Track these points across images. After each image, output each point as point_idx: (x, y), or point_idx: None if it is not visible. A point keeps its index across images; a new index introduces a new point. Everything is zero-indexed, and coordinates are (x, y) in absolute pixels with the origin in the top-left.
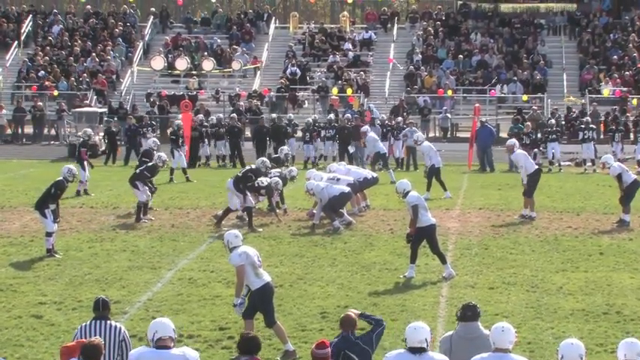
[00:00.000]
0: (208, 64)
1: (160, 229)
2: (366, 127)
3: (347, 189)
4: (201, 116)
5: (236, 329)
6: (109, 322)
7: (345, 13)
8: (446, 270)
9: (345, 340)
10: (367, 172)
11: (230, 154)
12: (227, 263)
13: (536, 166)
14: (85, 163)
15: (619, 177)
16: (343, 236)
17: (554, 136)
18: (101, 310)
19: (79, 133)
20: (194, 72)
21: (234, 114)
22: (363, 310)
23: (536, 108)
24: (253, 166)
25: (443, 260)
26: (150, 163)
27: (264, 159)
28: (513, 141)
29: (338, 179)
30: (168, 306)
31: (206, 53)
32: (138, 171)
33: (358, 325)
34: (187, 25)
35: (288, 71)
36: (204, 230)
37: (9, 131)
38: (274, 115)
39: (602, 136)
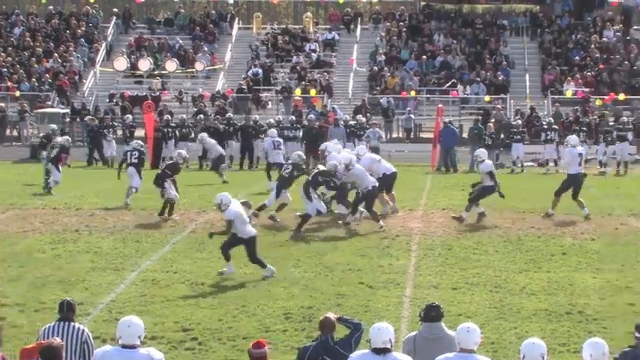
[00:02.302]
0: (171, 65)
1: (123, 230)
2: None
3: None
4: (167, 117)
5: (199, 330)
6: (72, 323)
7: (309, 13)
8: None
9: (323, 344)
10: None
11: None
12: (190, 264)
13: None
14: (59, 165)
15: (490, 174)
16: (307, 237)
17: (518, 136)
18: (65, 312)
19: (59, 139)
20: (157, 73)
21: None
22: (342, 314)
23: (499, 108)
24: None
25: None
26: (170, 162)
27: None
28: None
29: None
30: (132, 307)
31: (169, 54)
32: (160, 171)
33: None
34: (150, 26)
35: (251, 72)
36: (167, 231)
37: None
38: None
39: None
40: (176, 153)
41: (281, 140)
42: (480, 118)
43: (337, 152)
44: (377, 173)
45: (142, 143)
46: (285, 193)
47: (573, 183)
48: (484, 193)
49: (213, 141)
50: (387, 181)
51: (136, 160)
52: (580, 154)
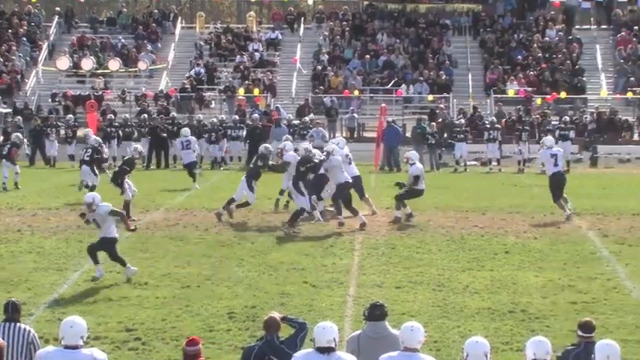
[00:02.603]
0: (114, 64)
1: (65, 230)
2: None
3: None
4: (110, 116)
5: (143, 330)
6: (18, 324)
7: (252, 13)
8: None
9: (268, 344)
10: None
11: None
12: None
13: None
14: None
15: (417, 178)
16: (251, 236)
17: (461, 136)
18: (10, 312)
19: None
20: (99, 72)
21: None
22: (286, 314)
23: (442, 107)
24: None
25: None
26: (126, 157)
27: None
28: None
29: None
30: (75, 307)
31: (112, 53)
32: (117, 168)
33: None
34: (93, 25)
35: (194, 71)
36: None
37: None
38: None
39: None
40: (132, 148)
41: (191, 139)
42: (426, 117)
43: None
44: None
45: (100, 140)
46: (251, 190)
47: (561, 183)
48: (412, 194)
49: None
50: (356, 185)
51: (87, 158)
52: (554, 155)
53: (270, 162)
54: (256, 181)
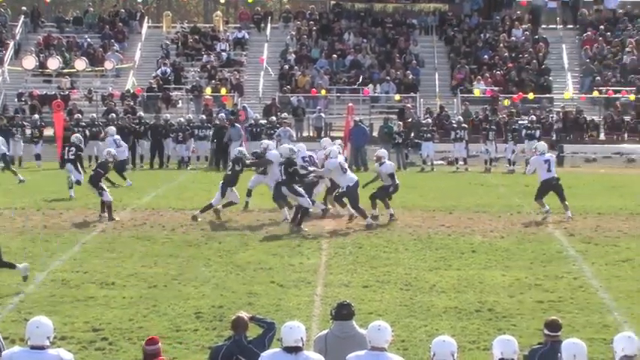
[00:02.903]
0: (80, 64)
1: (32, 230)
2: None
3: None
4: (77, 116)
5: (110, 330)
6: None
7: (219, 12)
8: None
9: (237, 343)
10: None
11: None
12: (100, 264)
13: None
14: None
15: (392, 175)
16: (218, 236)
17: (428, 135)
18: None
19: None
20: (66, 71)
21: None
22: (254, 314)
23: (409, 107)
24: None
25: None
26: (101, 161)
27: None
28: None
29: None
30: (41, 307)
31: (78, 53)
32: (93, 171)
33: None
34: (59, 25)
35: (160, 71)
36: (77, 231)
37: None
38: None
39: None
40: (105, 152)
41: (119, 137)
42: (395, 116)
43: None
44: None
45: (81, 138)
46: (231, 191)
47: (550, 188)
48: (383, 193)
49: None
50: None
51: (72, 157)
52: (547, 161)
53: (248, 161)
54: (233, 187)
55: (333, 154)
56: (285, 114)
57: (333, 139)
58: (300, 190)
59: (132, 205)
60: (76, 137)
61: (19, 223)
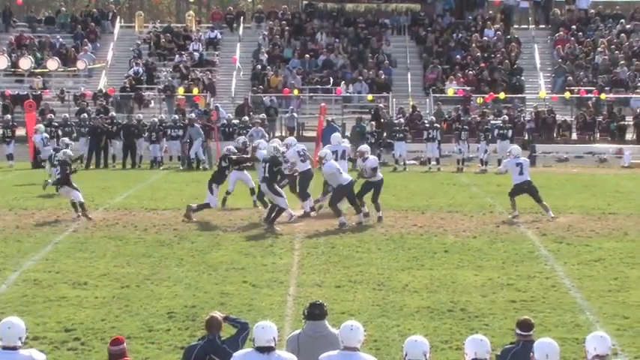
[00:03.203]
0: (53, 64)
1: (4, 230)
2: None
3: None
4: (50, 115)
5: (82, 330)
6: None
7: (191, 12)
8: None
9: (210, 343)
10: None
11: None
12: (73, 264)
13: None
14: None
15: (375, 169)
16: (190, 236)
17: (400, 135)
18: None
19: None
20: (38, 71)
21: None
22: (228, 313)
23: (382, 107)
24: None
25: None
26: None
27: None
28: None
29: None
30: (13, 307)
31: (50, 53)
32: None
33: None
34: (31, 24)
35: (132, 70)
36: (49, 231)
37: None
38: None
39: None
40: (61, 153)
41: (47, 135)
42: (369, 116)
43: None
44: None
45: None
46: (212, 193)
47: (522, 192)
48: (367, 188)
49: None
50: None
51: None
52: (519, 164)
53: (234, 156)
54: (219, 185)
55: (328, 157)
56: (263, 115)
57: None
58: (280, 190)
59: (104, 205)
60: (62, 142)
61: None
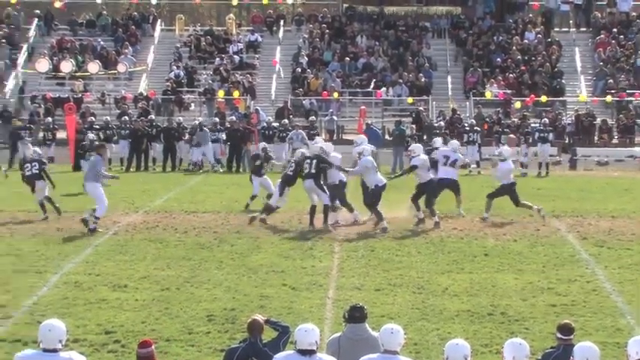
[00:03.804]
0: (94, 67)
1: (44, 232)
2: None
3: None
4: (91, 118)
5: (122, 333)
6: None
7: (232, 15)
8: None
9: (252, 346)
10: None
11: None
12: (113, 267)
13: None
14: None
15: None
16: (230, 239)
17: (471, 138)
18: None
19: None
20: (79, 74)
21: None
22: (269, 316)
23: (422, 110)
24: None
25: None
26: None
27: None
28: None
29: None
30: (54, 310)
31: (91, 56)
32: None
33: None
34: (72, 28)
35: (173, 74)
36: (89, 234)
37: None
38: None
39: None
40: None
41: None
42: (408, 119)
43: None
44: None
45: (40, 152)
46: (281, 195)
47: (505, 192)
48: (429, 189)
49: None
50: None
51: (36, 171)
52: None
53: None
54: (289, 187)
55: (366, 152)
56: (312, 117)
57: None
58: (324, 186)
59: (144, 207)
60: (34, 152)
61: (32, 225)
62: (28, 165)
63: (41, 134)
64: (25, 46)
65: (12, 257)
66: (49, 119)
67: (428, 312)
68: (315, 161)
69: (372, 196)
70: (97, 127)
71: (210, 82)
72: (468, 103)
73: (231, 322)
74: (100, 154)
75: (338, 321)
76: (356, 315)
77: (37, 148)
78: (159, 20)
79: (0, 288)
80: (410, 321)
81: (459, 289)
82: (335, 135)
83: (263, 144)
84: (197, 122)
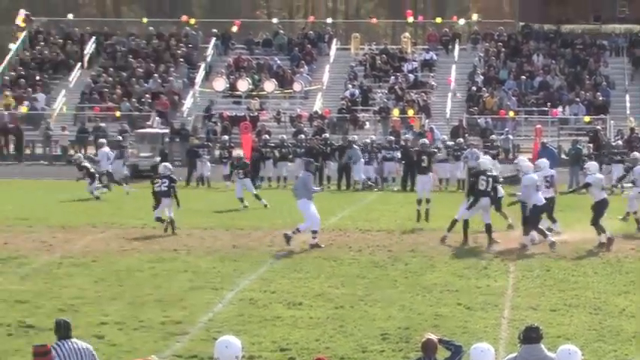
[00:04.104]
0: (270, 86)
1: (221, 249)
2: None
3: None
4: (265, 136)
5: (297, 350)
6: (73, 340)
7: (407, 34)
8: None
9: None
10: None
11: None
12: (288, 284)
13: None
14: None
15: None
16: (404, 257)
17: (618, 157)
18: (64, 331)
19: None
20: (255, 93)
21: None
22: (442, 335)
23: (600, 129)
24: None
25: None
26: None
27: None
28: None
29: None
30: (229, 326)
31: (267, 74)
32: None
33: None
34: (249, 47)
35: (348, 92)
36: (265, 251)
37: (72, 152)
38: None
39: None
40: (163, 166)
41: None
42: (585, 138)
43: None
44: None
45: (171, 168)
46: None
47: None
48: (601, 209)
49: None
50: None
51: (165, 188)
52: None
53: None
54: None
55: (527, 170)
56: (493, 135)
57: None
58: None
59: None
60: (164, 167)
61: (208, 243)
62: (159, 181)
63: (217, 152)
64: (202, 65)
65: (189, 274)
66: (226, 137)
67: (605, 333)
68: (490, 179)
69: (532, 216)
70: (272, 144)
71: (385, 100)
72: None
73: (405, 340)
74: (310, 170)
75: (513, 341)
76: (532, 335)
77: (168, 164)
78: (334, 39)
79: (177, 304)
80: (586, 342)
81: (636, 311)
82: (510, 154)
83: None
84: (348, 140)
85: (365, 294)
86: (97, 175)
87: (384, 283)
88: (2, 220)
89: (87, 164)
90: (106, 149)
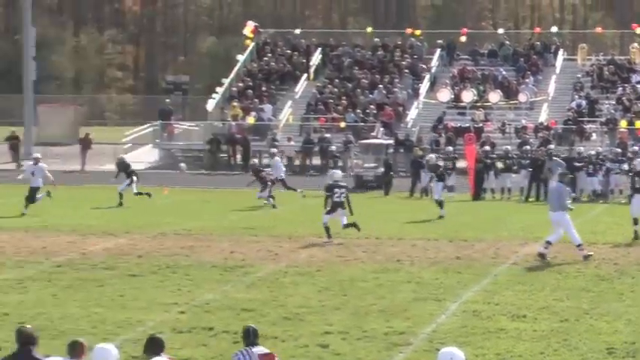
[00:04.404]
0: (494, 96)
1: (444, 261)
2: None
3: None
4: (487, 147)
5: None
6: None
7: (635, 44)
8: None
9: None
10: None
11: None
12: (512, 296)
13: None
14: None
15: None
16: (631, 271)
17: None
18: (252, 338)
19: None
20: (479, 104)
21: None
22: None
23: None
24: None
25: None
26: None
27: None
28: None
29: None
30: (453, 338)
31: (492, 85)
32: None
33: None
34: (474, 57)
35: (575, 103)
36: (488, 263)
37: (297, 162)
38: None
39: None
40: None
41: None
42: None
43: None
44: None
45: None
46: None
47: None
48: None
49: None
50: None
51: (344, 199)
52: None
53: None
54: None
55: None
56: None
57: None
58: None
59: (542, 237)
60: (335, 173)
61: (432, 254)
62: (337, 191)
63: (441, 163)
64: (427, 76)
65: (413, 285)
66: (450, 148)
67: None
68: None
69: None
70: (494, 156)
71: (612, 111)
72: None
73: (632, 355)
74: (563, 182)
75: None
76: None
77: (339, 171)
78: (561, 50)
79: (400, 315)
80: None
81: None
82: None
83: None
84: (548, 152)
85: (590, 307)
86: (269, 183)
87: (610, 296)
88: (229, 230)
89: (264, 172)
90: (278, 158)
